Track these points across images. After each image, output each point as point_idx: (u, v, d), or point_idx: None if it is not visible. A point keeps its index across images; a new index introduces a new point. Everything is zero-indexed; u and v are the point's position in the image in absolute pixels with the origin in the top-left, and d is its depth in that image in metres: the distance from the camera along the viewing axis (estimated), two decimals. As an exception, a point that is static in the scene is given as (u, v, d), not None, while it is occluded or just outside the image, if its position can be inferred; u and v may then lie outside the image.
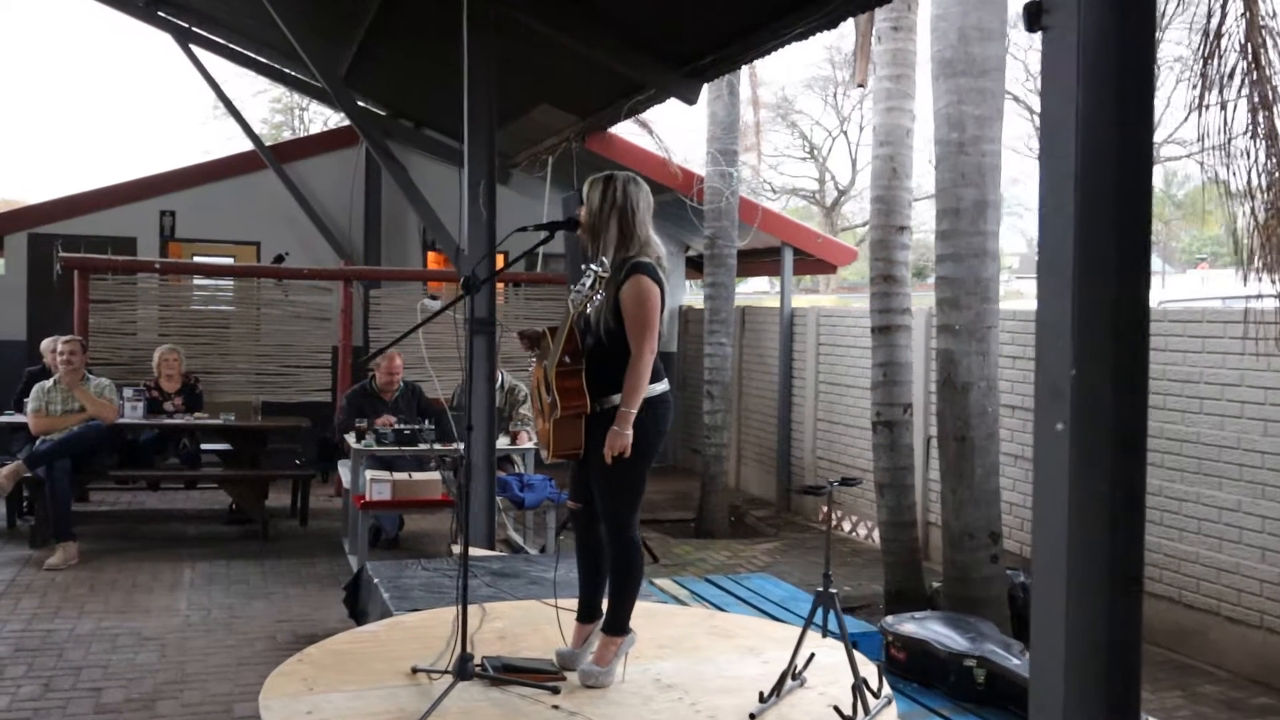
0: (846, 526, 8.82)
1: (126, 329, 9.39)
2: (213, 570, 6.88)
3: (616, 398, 3.62)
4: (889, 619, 4.97)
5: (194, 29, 10.13)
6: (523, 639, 4.22)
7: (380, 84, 10.03)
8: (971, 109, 5.72)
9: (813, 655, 3.71)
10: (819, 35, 5.57)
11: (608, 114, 8.06)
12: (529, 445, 7.29)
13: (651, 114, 8.43)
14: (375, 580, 5.18)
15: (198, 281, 10.12)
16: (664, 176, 9.56)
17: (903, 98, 6.46)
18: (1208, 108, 3.51)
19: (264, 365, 9.59)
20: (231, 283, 9.99)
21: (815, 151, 34.07)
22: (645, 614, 3.98)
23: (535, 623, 4.42)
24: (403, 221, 11.41)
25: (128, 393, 7.74)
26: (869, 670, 3.60)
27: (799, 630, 4.50)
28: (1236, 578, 5.46)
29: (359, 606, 5.44)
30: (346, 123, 12.85)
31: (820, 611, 3.72)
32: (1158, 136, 31.41)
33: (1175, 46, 29.26)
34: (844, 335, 8.96)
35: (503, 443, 7.10)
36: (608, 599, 3.80)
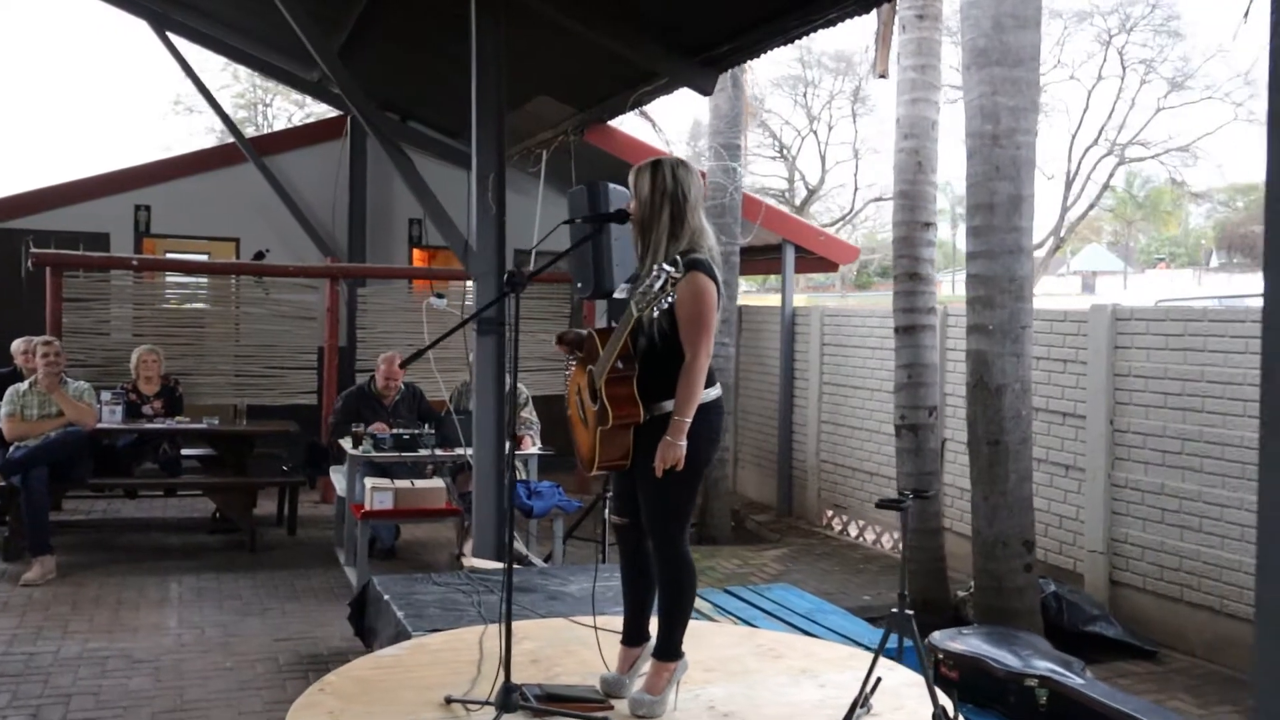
0: (853, 532, 8.59)
1: (100, 329, 8.97)
2: (201, 584, 6.51)
3: (668, 404, 3.35)
4: (936, 635, 4.72)
5: (170, 15, 9.70)
6: (557, 662, 3.93)
7: (367, 75, 9.64)
8: (1006, 100, 5.51)
9: (879, 680, 3.46)
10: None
11: (610, 105, 7.75)
12: (534, 450, 6.99)
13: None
14: (386, 596, 4.86)
15: (174, 279, 9.70)
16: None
17: (928, 89, 6.23)
18: None
19: (246, 366, 9.18)
20: (207, 280, 9.59)
21: (785, 151, 33.94)
22: (683, 632, 3.71)
23: (566, 643, 4.14)
24: (389, 217, 11.02)
25: (105, 396, 7.35)
26: (945, 701, 3.35)
27: (846, 649, 4.27)
28: (1282, 587, 5.26)
29: (366, 624, 5.11)
30: (324, 116, 12.53)
31: (882, 633, 3.48)
32: (1122, 137, 31.47)
33: (1140, 49, 29.42)
34: (850, 335, 8.72)
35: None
36: (658, 622, 3.52)
